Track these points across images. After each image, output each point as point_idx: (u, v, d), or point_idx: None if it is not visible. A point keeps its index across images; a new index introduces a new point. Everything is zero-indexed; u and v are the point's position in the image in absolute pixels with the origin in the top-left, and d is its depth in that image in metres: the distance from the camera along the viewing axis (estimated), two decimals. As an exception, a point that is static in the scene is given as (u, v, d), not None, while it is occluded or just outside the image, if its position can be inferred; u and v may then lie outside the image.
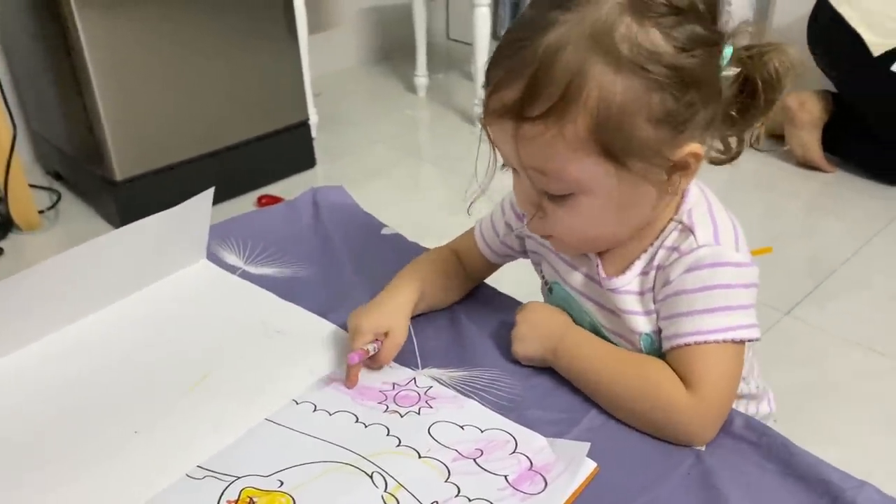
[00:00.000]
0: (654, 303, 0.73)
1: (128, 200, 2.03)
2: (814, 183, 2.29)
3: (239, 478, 0.65)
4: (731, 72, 0.67)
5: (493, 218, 0.88)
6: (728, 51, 0.66)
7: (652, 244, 0.73)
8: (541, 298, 0.88)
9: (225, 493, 0.64)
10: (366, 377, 0.77)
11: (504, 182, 0.75)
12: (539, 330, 0.77)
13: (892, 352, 1.59)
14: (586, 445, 0.66)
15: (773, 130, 2.35)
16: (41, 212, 2.13)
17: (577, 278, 0.79)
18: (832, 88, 2.27)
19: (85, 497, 0.65)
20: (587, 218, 0.69)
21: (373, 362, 0.78)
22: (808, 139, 2.27)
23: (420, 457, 0.67)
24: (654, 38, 0.61)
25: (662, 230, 0.73)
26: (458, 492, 0.63)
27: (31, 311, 0.82)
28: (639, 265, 0.74)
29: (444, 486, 0.64)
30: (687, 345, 0.69)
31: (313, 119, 2.44)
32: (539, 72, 0.62)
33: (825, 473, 0.64)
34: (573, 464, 0.65)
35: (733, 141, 0.72)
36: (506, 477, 0.65)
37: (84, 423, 0.73)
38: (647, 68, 0.61)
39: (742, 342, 0.69)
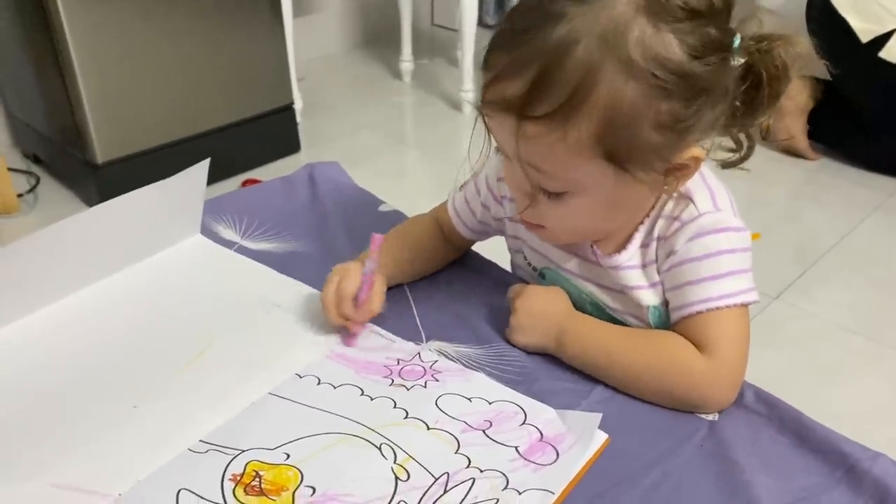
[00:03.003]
0: (659, 274, 0.72)
1: (109, 184, 1.98)
2: (798, 170, 2.30)
3: (243, 451, 0.64)
4: (737, 62, 0.64)
5: (468, 196, 0.85)
6: (737, 41, 0.63)
7: (648, 216, 0.72)
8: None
9: (229, 466, 0.62)
10: (369, 353, 0.76)
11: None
12: (539, 319, 0.74)
13: (879, 336, 1.60)
14: (598, 416, 0.65)
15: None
16: (20, 195, 2.09)
17: (572, 263, 0.77)
18: (821, 74, 2.27)
19: (84, 472, 0.62)
20: (579, 213, 0.68)
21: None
22: (793, 126, 2.27)
23: (429, 428, 0.66)
24: (669, 44, 0.59)
25: (658, 200, 0.71)
26: (469, 463, 0.62)
27: (24, 285, 0.79)
28: (638, 238, 0.73)
29: (455, 457, 0.63)
30: (699, 312, 0.68)
31: (298, 104, 2.41)
32: (546, 69, 0.59)
33: (839, 445, 0.64)
34: (585, 435, 0.64)
35: (742, 137, 0.70)
36: (517, 448, 0.64)
37: (81, 397, 0.71)
38: (658, 76, 0.59)
39: (748, 305, 0.69)
